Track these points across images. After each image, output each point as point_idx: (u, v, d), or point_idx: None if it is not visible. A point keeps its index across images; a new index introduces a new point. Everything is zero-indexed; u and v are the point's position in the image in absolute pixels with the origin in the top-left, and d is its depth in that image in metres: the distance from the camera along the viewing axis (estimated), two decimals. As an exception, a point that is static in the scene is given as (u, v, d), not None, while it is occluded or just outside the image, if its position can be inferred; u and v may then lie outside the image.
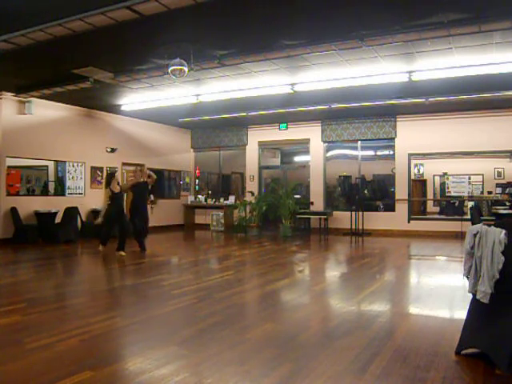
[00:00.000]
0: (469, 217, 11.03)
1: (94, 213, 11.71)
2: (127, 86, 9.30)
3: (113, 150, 12.50)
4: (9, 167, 10.03)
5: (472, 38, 6.39)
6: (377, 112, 11.97)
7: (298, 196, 13.62)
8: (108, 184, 9.65)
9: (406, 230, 12.20)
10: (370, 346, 3.38)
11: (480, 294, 2.97)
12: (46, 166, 11.17)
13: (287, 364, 3.06)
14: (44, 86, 9.13)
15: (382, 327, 3.95)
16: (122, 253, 8.27)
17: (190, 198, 15.33)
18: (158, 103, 10.62)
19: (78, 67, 7.91)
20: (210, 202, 14.93)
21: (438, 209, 14.36)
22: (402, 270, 7.32)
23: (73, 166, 11.41)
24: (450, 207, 13.25)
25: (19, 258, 8.43)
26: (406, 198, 12.38)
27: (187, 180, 15.60)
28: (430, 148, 12.17)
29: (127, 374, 2.95)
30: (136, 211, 8.94)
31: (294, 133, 13.77)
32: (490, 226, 3.07)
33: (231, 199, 14.40)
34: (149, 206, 9.87)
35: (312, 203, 13.41)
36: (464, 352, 3.18)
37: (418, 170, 14.50)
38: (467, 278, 3.16)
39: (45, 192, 11.06)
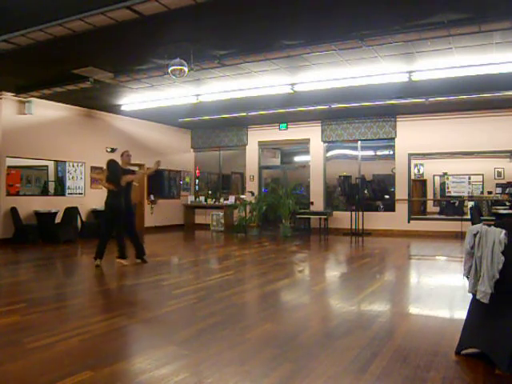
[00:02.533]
0: (469, 217, 11.02)
1: (94, 213, 11.71)
2: (127, 85, 9.30)
3: (113, 150, 12.49)
4: (9, 167, 10.03)
5: (472, 38, 6.39)
6: (377, 112, 11.97)
7: (301, 190, 13.64)
8: (116, 174, 7.24)
9: (405, 230, 12.19)
10: (370, 346, 3.38)
11: (480, 294, 2.97)
12: (46, 166, 11.17)
13: (287, 364, 3.05)
14: (44, 86, 9.13)
15: (382, 327, 3.94)
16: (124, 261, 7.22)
17: (190, 198, 15.33)
18: (158, 103, 10.62)
19: (78, 67, 7.91)
20: (210, 201, 14.94)
21: (438, 209, 14.36)
22: (401, 270, 7.32)
23: (73, 166, 11.40)
24: (450, 207, 13.24)
25: (19, 258, 8.43)
26: (406, 198, 12.38)
27: (187, 180, 15.60)
28: (430, 148, 12.17)
29: (127, 373, 2.95)
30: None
31: (294, 133, 13.76)
32: (490, 225, 3.07)
33: (231, 199, 14.40)
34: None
35: (312, 203, 13.41)
36: (464, 352, 3.18)
37: (418, 170, 14.50)
38: (467, 277, 3.16)
39: (45, 192, 11.06)
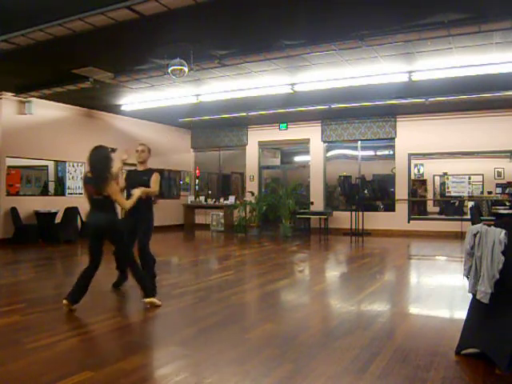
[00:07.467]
0: (469, 217, 11.02)
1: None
2: (127, 85, 9.29)
3: (113, 150, 12.38)
4: (9, 167, 10.03)
5: (472, 38, 6.39)
6: (377, 112, 11.97)
7: (301, 190, 13.63)
8: (105, 179, 4.63)
9: (405, 230, 12.19)
10: (370, 346, 3.38)
11: (480, 294, 2.97)
12: (46, 166, 11.17)
13: (287, 364, 3.05)
14: (44, 86, 9.13)
15: (381, 327, 3.94)
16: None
17: (190, 198, 15.33)
18: (158, 103, 10.61)
19: (78, 67, 7.91)
20: (210, 201, 14.94)
21: (438, 209, 14.35)
22: (401, 270, 7.32)
23: (73, 166, 11.40)
24: (450, 207, 13.24)
25: (19, 258, 8.43)
26: (406, 197, 12.38)
27: (187, 180, 15.60)
28: (430, 148, 12.17)
29: (127, 373, 2.94)
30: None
31: (294, 133, 13.76)
32: (490, 225, 3.07)
33: (231, 199, 14.40)
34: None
35: (312, 203, 13.41)
36: (464, 352, 3.18)
37: (418, 170, 14.50)
38: (467, 278, 3.16)
39: (45, 192, 11.06)
